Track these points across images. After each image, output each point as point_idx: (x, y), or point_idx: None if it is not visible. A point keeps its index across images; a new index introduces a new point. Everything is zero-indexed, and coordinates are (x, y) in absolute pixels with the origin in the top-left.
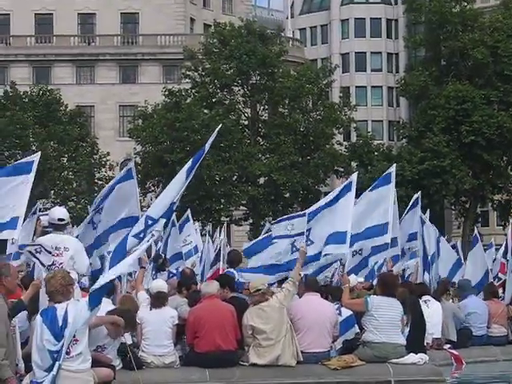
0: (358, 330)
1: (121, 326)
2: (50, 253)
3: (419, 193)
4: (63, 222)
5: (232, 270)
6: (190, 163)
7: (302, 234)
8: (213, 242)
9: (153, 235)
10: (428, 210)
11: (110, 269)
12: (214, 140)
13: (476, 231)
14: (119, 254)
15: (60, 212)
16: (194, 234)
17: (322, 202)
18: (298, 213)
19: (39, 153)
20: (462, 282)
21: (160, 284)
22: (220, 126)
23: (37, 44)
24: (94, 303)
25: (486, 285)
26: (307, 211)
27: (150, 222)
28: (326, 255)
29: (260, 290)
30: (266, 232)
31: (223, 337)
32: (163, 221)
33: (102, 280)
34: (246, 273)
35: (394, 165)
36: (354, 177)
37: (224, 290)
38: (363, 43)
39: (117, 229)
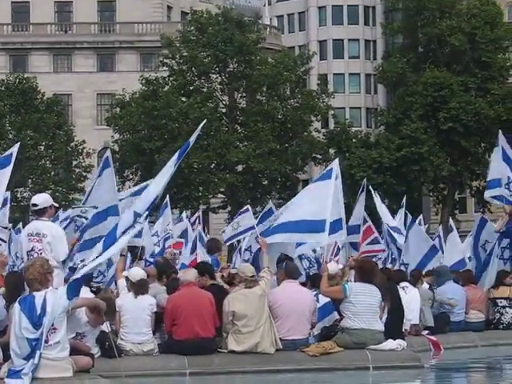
0: (338, 317)
1: (102, 311)
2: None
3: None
4: (36, 208)
5: (210, 257)
6: (175, 156)
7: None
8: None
9: (134, 227)
10: (405, 197)
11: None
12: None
13: (451, 221)
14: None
15: (35, 198)
16: (171, 222)
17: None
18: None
19: (18, 144)
20: (440, 267)
21: (141, 272)
22: (204, 121)
23: (13, 32)
24: (72, 293)
25: (463, 271)
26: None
27: (137, 219)
28: (301, 244)
29: (253, 276)
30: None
31: (201, 324)
32: (146, 213)
33: (82, 270)
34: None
35: (337, 160)
36: (335, 164)
37: (203, 278)
38: (341, 30)
39: (101, 220)
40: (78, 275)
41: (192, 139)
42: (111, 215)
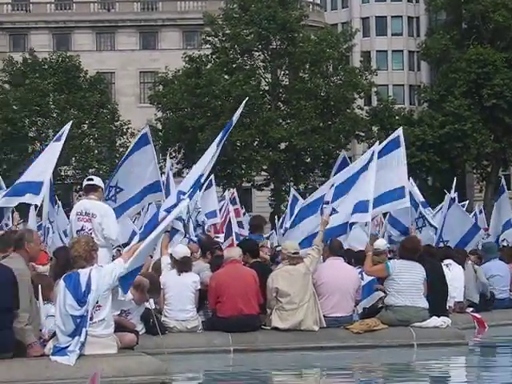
0: (382, 294)
1: (145, 288)
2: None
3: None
4: (91, 183)
5: (255, 234)
6: (219, 136)
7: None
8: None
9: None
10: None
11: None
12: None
13: (503, 180)
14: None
15: (92, 176)
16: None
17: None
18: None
19: (70, 122)
20: (488, 244)
21: (185, 249)
22: (246, 99)
23: (56, 11)
24: (127, 287)
25: (507, 248)
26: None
27: (181, 197)
28: (352, 224)
29: (298, 253)
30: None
31: (245, 301)
32: (190, 191)
33: (131, 265)
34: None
35: (401, 128)
36: (399, 132)
37: (245, 256)
38: (383, 7)
39: (140, 199)
40: (129, 269)
41: (235, 118)
42: (155, 191)
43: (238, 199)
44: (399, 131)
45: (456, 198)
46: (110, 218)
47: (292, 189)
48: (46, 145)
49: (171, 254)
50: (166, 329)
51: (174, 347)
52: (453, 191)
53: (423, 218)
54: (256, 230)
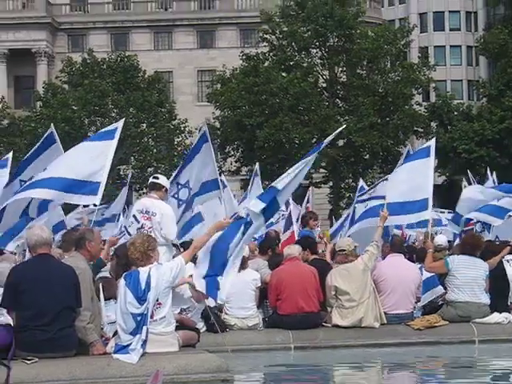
0: (443, 291)
1: None
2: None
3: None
4: (156, 181)
5: (308, 230)
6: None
7: (381, 197)
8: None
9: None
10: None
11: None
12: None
13: None
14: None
15: (158, 175)
16: None
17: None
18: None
19: (123, 120)
20: None
21: None
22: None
23: (114, 11)
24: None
25: None
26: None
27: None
28: (408, 225)
29: (344, 250)
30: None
31: (306, 299)
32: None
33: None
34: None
35: (434, 139)
36: (432, 142)
37: (305, 253)
38: (441, 2)
39: (199, 194)
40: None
41: (326, 141)
42: (213, 190)
43: (311, 198)
44: (432, 142)
45: None
46: (169, 217)
47: (361, 180)
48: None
49: None
50: (226, 326)
51: (234, 345)
52: None
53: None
54: (307, 224)
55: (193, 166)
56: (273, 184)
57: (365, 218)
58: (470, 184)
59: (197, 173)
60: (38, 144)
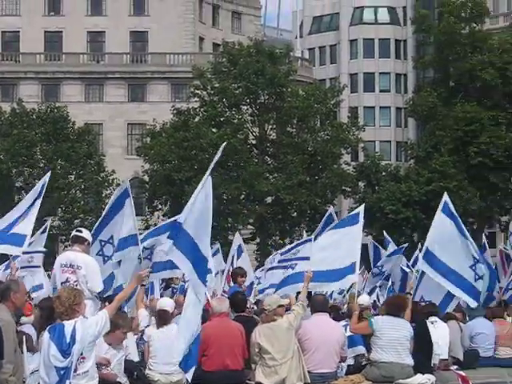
0: (364, 351)
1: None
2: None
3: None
4: (79, 234)
5: (237, 286)
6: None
7: (306, 258)
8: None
9: None
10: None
11: None
12: (221, 159)
13: (484, 239)
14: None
15: (81, 228)
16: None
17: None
18: (305, 239)
19: (49, 173)
20: None
21: (163, 302)
22: (224, 143)
23: (46, 61)
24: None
25: (492, 307)
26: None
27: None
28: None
29: (274, 309)
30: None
31: (231, 356)
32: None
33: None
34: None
35: (363, 205)
36: (361, 209)
37: (232, 309)
38: (372, 63)
39: (119, 250)
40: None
41: (214, 161)
42: (132, 245)
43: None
44: (361, 208)
45: None
46: (94, 270)
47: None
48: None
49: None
50: (150, 382)
51: None
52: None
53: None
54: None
55: (116, 222)
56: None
57: (292, 282)
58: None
59: (118, 229)
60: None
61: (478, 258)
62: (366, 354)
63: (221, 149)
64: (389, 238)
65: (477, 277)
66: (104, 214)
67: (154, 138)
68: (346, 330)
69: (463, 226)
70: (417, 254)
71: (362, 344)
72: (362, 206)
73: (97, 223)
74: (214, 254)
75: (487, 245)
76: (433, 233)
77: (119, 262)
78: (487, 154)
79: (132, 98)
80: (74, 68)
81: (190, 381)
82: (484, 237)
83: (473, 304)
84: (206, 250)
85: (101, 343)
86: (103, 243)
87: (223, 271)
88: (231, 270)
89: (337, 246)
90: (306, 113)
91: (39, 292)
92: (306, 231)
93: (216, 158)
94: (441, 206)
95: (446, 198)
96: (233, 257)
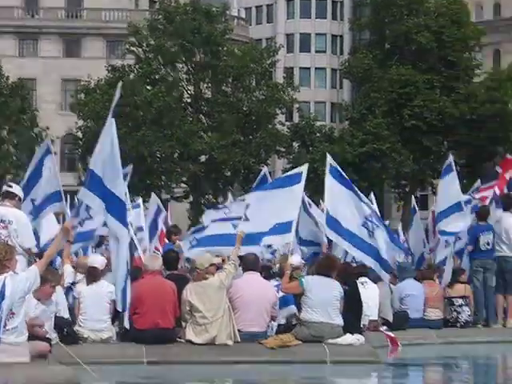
0: (295, 311)
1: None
2: None
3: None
4: (9, 189)
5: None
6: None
7: (238, 218)
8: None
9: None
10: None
11: None
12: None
13: (413, 202)
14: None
15: (12, 183)
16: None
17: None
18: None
19: None
20: (404, 264)
21: (93, 259)
22: (120, 83)
23: None
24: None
25: (422, 269)
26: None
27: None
28: (269, 246)
29: (204, 268)
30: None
31: (163, 315)
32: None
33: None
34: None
35: (306, 165)
36: (305, 168)
37: (164, 266)
38: (308, 24)
39: (45, 207)
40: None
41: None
42: (56, 201)
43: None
44: (305, 167)
45: None
46: (24, 225)
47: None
48: None
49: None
50: (79, 338)
51: (87, 357)
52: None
53: None
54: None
55: (40, 180)
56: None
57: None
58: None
59: (43, 186)
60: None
61: (369, 216)
62: (297, 314)
63: (118, 88)
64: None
65: (370, 233)
66: (29, 172)
67: (89, 95)
68: (278, 290)
69: (352, 185)
70: None
71: (293, 304)
72: (306, 166)
73: (23, 181)
74: (135, 207)
75: (417, 207)
76: (327, 197)
77: (45, 218)
78: (421, 117)
79: (67, 54)
80: (8, 22)
81: (127, 327)
82: (413, 199)
83: (375, 266)
84: (119, 191)
85: (29, 299)
86: (33, 201)
87: (142, 228)
88: (164, 228)
89: (276, 204)
90: (242, 72)
91: None
92: (239, 190)
93: (115, 98)
94: (327, 169)
95: (330, 160)
96: (166, 217)
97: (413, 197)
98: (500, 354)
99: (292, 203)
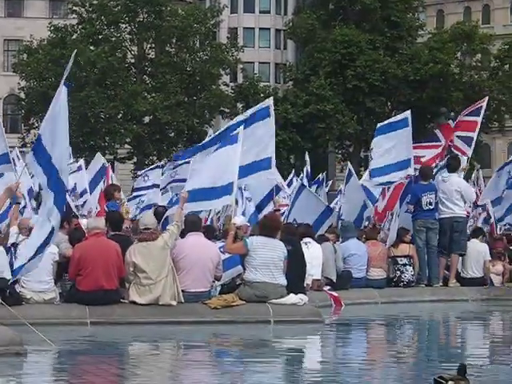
0: (242, 270)
1: None
2: None
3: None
4: None
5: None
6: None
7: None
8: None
9: None
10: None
11: None
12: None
13: (349, 165)
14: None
15: None
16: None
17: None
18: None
19: None
20: (346, 223)
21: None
22: (75, 51)
23: None
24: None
25: (366, 228)
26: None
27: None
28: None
29: (149, 228)
30: None
31: (107, 276)
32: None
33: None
34: None
35: (271, 98)
36: (241, 130)
37: (108, 227)
38: None
39: None
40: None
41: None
42: (3, 163)
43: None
44: (270, 101)
45: (310, 177)
46: None
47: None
48: None
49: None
50: (22, 299)
51: (30, 318)
52: (307, 169)
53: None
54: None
55: None
56: None
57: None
58: None
59: None
60: None
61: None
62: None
63: (72, 56)
64: None
65: None
66: None
67: (31, 55)
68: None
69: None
70: (292, 175)
71: (239, 264)
72: (241, 128)
73: None
74: (78, 170)
75: (353, 170)
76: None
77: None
78: (364, 78)
79: (8, 14)
80: None
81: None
82: (349, 164)
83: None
84: (60, 162)
85: None
86: None
87: (86, 190)
88: (103, 188)
89: (217, 164)
90: (185, 32)
91: None
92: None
93: (68, 66)
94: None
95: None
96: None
97: (349, 163)
98: (441, 312)
99: (232, 164)
